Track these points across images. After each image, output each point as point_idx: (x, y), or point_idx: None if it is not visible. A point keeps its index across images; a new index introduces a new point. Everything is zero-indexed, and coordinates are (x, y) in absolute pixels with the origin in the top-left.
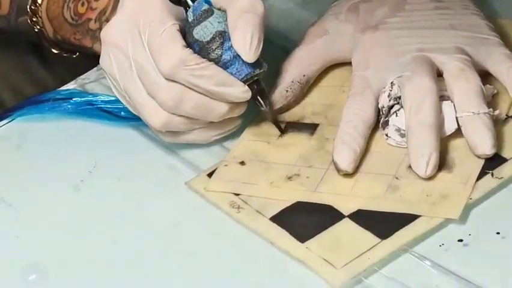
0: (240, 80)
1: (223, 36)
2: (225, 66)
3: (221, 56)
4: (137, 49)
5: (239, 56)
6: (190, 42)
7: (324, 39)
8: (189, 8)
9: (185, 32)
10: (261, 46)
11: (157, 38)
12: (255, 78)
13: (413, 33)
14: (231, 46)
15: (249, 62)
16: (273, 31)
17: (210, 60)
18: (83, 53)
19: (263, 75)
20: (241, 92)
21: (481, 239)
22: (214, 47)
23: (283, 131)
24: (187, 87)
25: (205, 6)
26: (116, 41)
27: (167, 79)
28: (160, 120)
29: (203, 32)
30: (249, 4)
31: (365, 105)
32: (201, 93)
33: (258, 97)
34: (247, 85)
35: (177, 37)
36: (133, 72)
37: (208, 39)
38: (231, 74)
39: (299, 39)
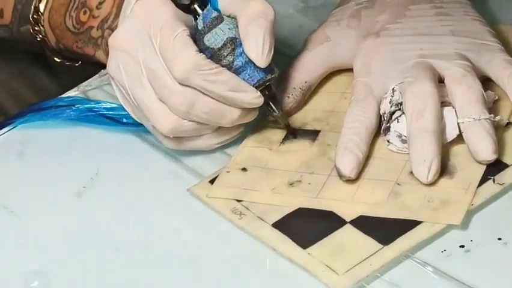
0: (252, 86)
1: (234, 42)
2: (237, 72)
3: (233, 62)
4: (149, 54)
5: (251, 61)
6: (201, 50)
7: (326, 45)
8: (198, 16)
9: (195, 39)
10: (273, 51)
11: (170, 43)
12: (267, 83)
13: (414, 39)
14: (243, 52)
15: (262, 67)
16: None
17: (222, 66)
18: (85, 61)
19: (274, 80)
20: (254, 97)
21: (482, 244)
22: (225, 54)
23: (295, 134)
24: (200, 92)
25: (215, 14)
26: (126, 46)
27: (180, 84)
28: (169, 125)
29: (214, 39)
30: (260, 10)
31: (366, 112)
32: (213, 99)
33: (270, 102)
34: (259, 91)
35: (189, 42)
36: (143, 77)
37: (220, 45)
38: (243, 79)
39: (300, 46)
